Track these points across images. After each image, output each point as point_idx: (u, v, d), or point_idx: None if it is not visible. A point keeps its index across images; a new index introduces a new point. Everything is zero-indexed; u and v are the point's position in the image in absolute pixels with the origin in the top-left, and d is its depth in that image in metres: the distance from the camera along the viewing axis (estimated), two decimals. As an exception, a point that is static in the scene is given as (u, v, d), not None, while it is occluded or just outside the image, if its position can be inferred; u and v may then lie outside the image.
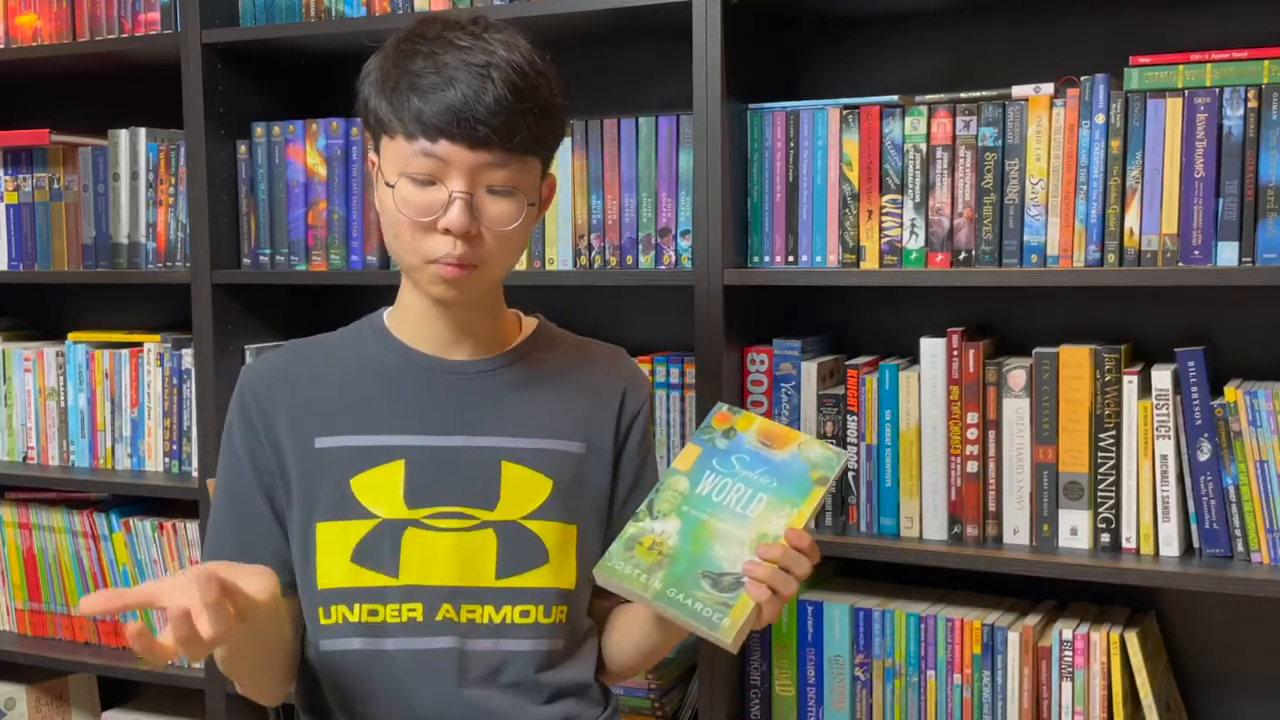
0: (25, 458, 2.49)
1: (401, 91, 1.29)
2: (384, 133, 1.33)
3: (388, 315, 1.47)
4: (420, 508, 1.37)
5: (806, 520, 1.35)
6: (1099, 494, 1.75)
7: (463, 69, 1.28)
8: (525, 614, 1.39)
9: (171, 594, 1.11)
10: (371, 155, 1.38)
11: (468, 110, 1.26)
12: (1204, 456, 1.69)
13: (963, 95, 1.81)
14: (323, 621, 1.38)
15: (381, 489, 1.37)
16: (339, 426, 1.39)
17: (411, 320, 1.43)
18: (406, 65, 1.30)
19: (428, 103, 1.27)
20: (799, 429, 1.89)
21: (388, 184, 1.32)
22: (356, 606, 1.36)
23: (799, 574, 1.32)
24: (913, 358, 1.90)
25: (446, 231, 1.29)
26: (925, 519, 1.84)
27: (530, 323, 1.51)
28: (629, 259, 2.00)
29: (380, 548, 1.36)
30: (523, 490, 1.40)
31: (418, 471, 1.38)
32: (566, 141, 2.02)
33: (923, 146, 1.81)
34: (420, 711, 1.37)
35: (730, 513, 1.36)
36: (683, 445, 1.57)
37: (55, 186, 2.45)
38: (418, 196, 1.30)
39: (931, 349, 1.82)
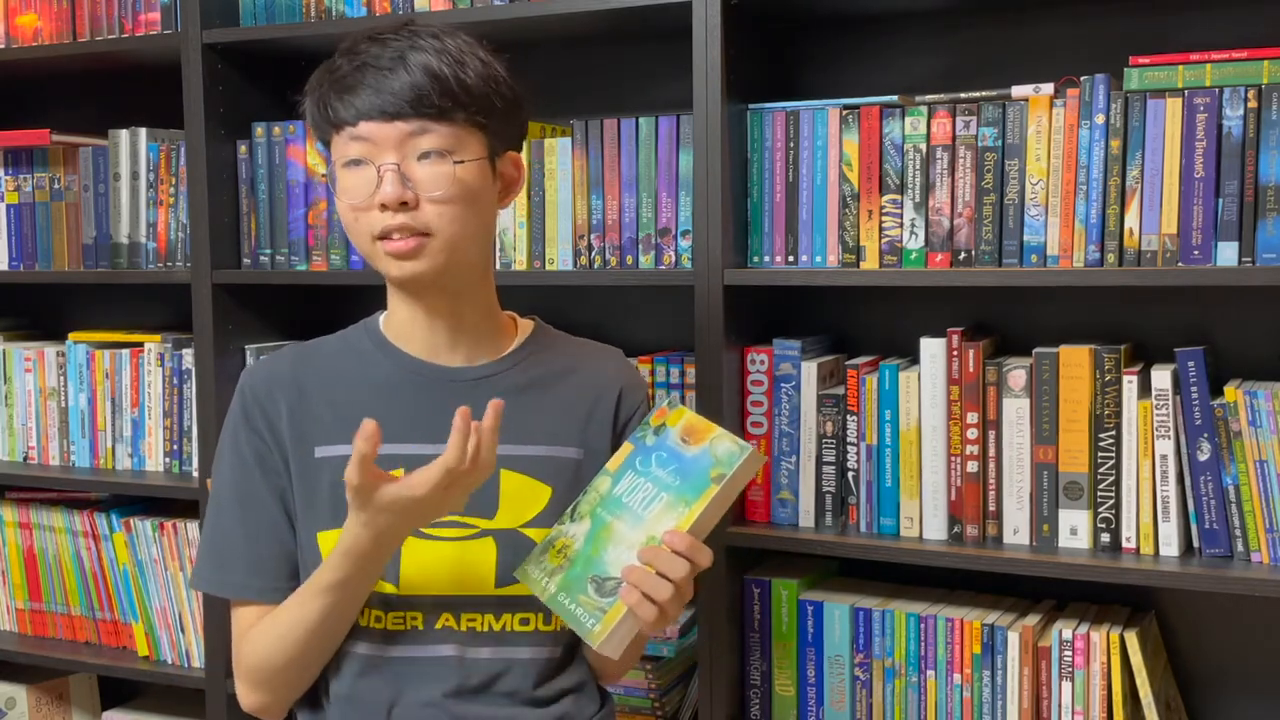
0: (26, 458, 2.50)
1: (325, 92, 1.34)
2: (324, 139, 1.37)
3: (383, 321, 1.46)
4: None
5: (695, 520, 1.28)
6: (1099, 494, 1.75)
7: (377, 59, 1.32)
8: (525, 622, 1.39)
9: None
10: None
11: (379, 88, 1.30)
12: (1204, 456, 1.69)
13: (963, 95, 1.81)
14: None
15: None
16: (338, 435, 1.38)
17: (404, 326, 1.42)
18: (329, 70, 1.36)
19: (344, 93, 1.32)
20: (799, 429, 1.89)
21: (326, 175, 1.35)
22: (364, 611, 1.36)
23: (674, 578, 1.26)
24: (913, 358, 1.90)
25: (385, 207, 1.31)
26: (925, 519, 1.84)
27: (526, 325, 1.50)
28: (629, 259, 2.00)
29: None
30: (522, 498, 1.39)
31: None
32: (566, 141, 2.02)
33: (923, 146, 1.81)
34: (420, 715, 1.37)
35: (632, 514, 1.32)
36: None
37: (56, 186, 2.45)
38: (353, 180, 1.33)
39: (931, 349, 1.82)
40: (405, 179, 1.31)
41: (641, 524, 1.30)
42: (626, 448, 1.38)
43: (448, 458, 1.21)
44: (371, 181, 1.31)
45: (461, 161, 1.33)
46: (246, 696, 1.41)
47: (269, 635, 1.36)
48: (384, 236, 1.32)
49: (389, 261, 1.34)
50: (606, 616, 1.27)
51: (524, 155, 2.01)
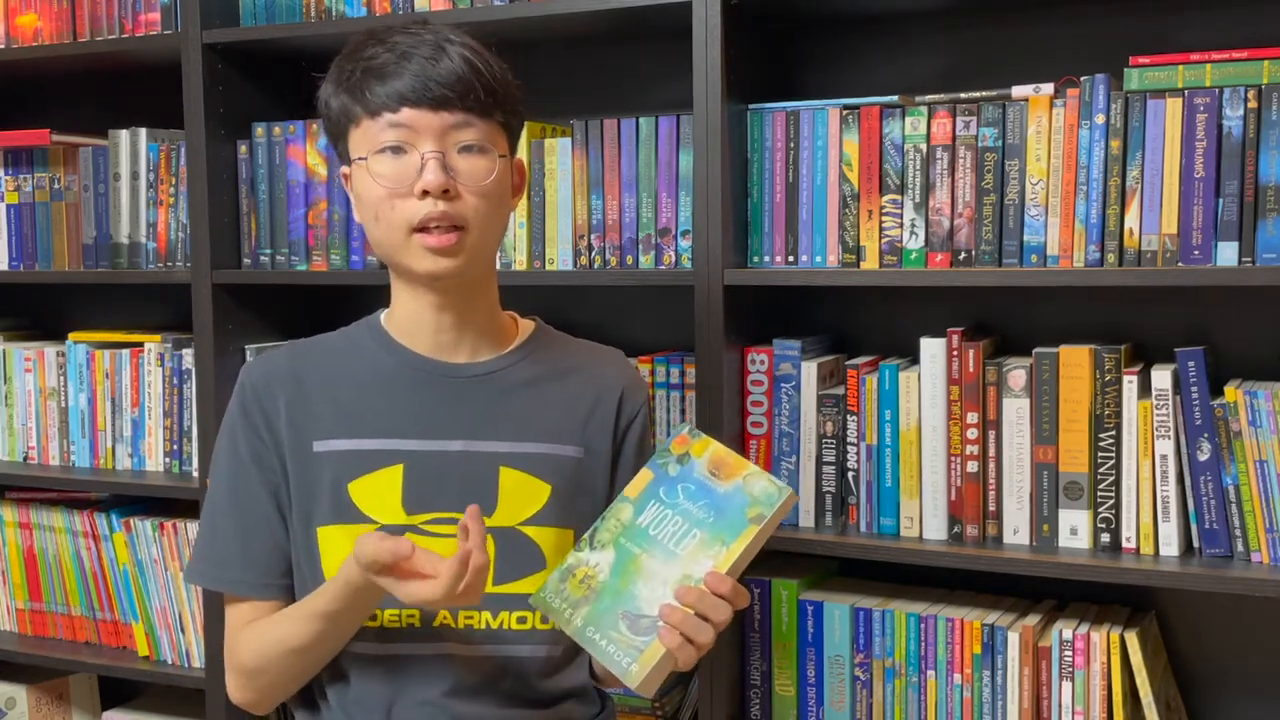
0: (26, 458, 2.49)
1: (359, 79, 1.33)
2: (350, 124, 1.35)
3: (385, 317, 1.46)
4: (418, 514, 1.37)
5: (734, 561, 1.27)
6: (1099, 494, 1.75)
7: (416, 47, 1.32)
8: (522, 620, 1.38)
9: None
10: (343, 169, 1.39)
11: (427, 76, 1.30)
12: (1204, 456, 1.69)
13: (963, 95, 1.81)
14: None
15: (380, 494, 1.37)
16: (337, 430, 1.39)
17: (408, 322, 1.42)
18: (360, 57, 1.34)
19: (387, 78, 1.31)
20: (799, 429, 1.89)
21: (359, 159, 1.34)
22: None
23: (716, 621, 1.25)
24: (913, 358, 1.90)
25: (425, 195, 1.31)
26: (925, 519, 1.84)
27: (528, 325, 1.51)
28: (629, 259, 2.00)
29: None
30: (520, 496, 1.39)
31: (416, 477, 1.38)
32: (566, 141, 2.02)
33: (923, 146, 1.81)
34: (418, 714, 1.36)
35: (662, 549, 1.29)
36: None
37: (56, 186, 2.45)
38: (391, 167, 1.32)
39: (931, 349, 1.82)
40: (448, 168, 1.31)
41: (675, 560, 1.28)
42: (646, 474, 1.36)
43: (439, 590, 1.20)
44: (413, 168, 1.31)
45: (504, 156, 1.35)
46: (235, 691, 1.44)
47: (261, 641, 1.37)
48: (422, 229, 1.32)
49: (422, 255, 1.33)
50: (644, 656, 1.24)
51: (524, 155, 2.03)
